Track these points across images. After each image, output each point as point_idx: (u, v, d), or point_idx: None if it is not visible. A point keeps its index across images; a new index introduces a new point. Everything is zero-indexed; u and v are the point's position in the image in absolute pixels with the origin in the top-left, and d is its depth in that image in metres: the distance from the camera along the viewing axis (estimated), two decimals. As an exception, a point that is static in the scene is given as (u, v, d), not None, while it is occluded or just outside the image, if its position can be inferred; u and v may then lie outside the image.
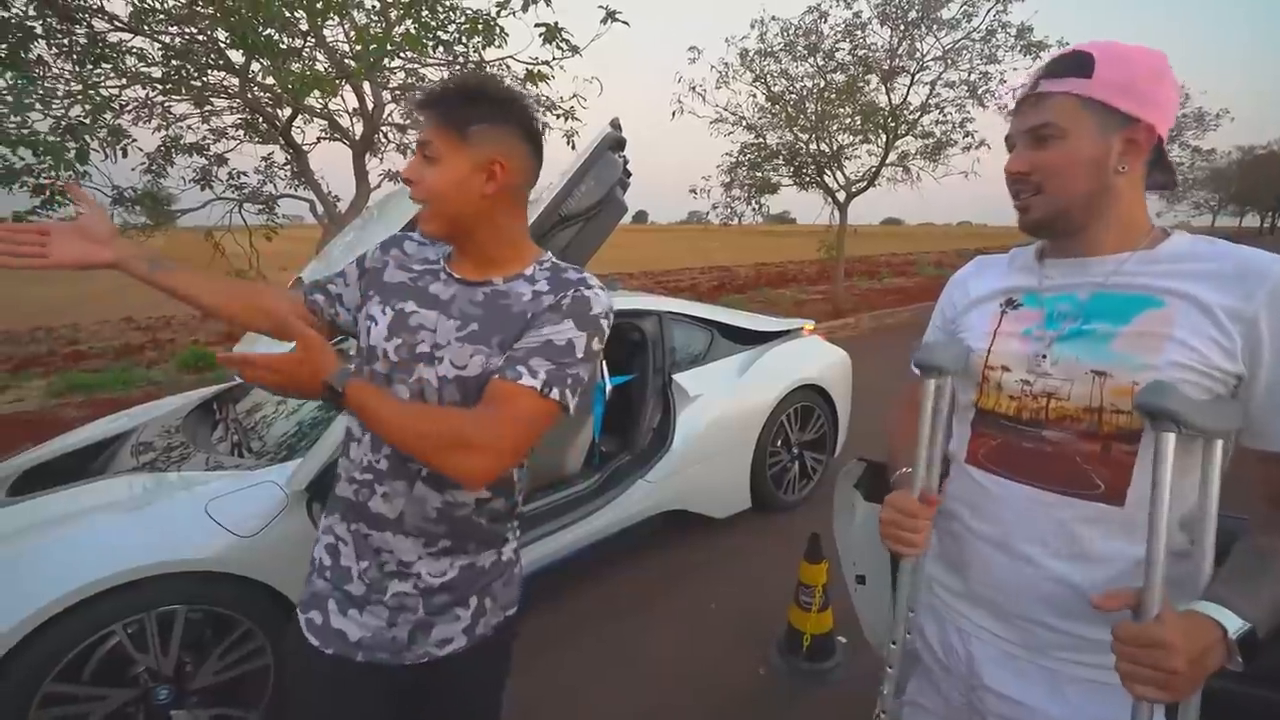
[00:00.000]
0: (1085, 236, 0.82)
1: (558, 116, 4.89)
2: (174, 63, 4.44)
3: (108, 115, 4.22)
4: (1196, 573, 0.75)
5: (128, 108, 4.71)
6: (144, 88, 4.65)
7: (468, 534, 1.01)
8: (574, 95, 4.75)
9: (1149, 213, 0.82)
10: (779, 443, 3.28)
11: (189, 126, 5.16)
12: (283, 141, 5.17)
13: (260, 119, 5.05)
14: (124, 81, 4.42)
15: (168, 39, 4.40)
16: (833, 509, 1.56)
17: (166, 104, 4.86)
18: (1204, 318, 0.73)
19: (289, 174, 5.87)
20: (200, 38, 4.35)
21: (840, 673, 2.18)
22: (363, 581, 1.00)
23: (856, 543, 1.51)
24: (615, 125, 1.98)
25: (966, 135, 9.38)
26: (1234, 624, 0.65)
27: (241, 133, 5.37)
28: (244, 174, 5.58)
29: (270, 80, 4.37)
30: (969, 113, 9.23)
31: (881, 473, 1.48)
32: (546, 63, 4.25)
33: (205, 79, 4.66)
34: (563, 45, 4.04)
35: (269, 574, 1.73)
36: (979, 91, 8.90)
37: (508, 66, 4.66)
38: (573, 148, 5.00)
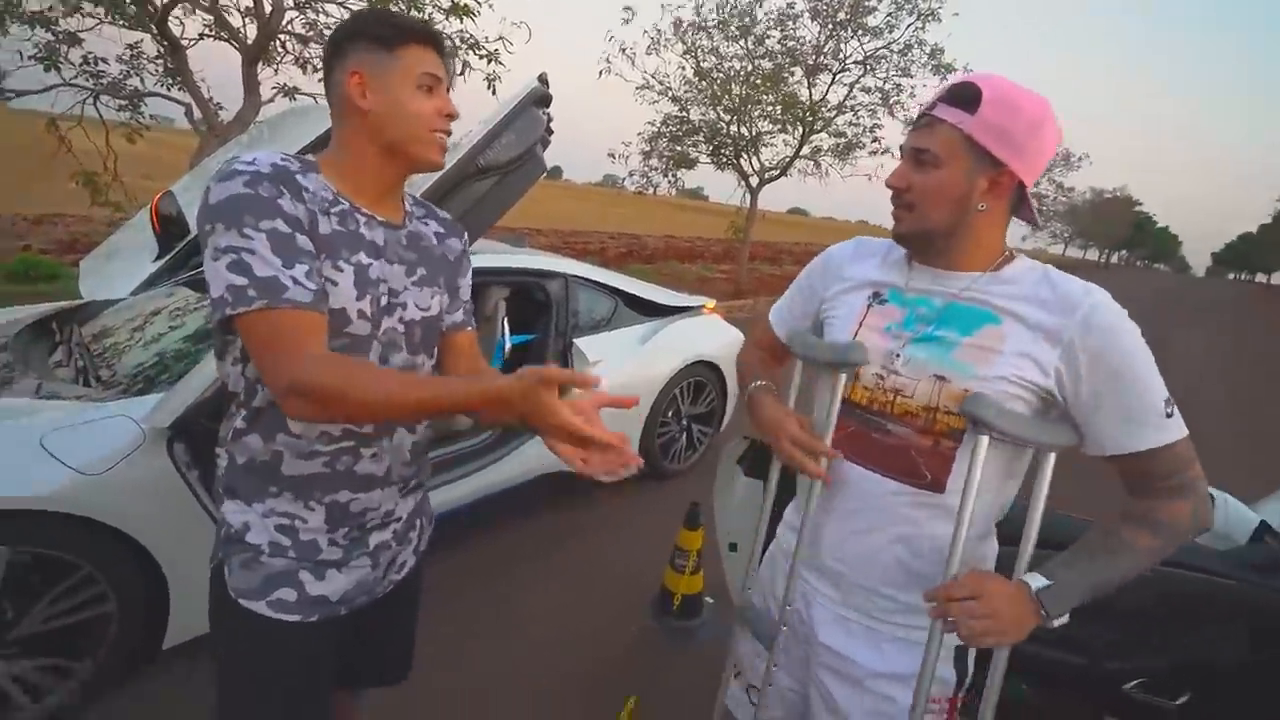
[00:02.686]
0: (945, 255, 0.92)
1: (480, 57, 4.64)
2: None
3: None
4: (1018, 559, 0.89)
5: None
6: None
7: (424, 465, 1.09)
8: (500, 37, 4.52)
9: (1005, 239, 0.93)
10: (670, 413, 3.40)
11: (32, -8, 4.39)
12: (155, 31, 4.54)
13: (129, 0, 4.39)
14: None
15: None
16: (715, 480, 1.67)
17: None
18: (1030, 337, 0.84)
19: (161, 70, 5.18)
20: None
21: (706, 630, 2.34)
22: (338, 546, 0.96)
23: (734, 513, 1.62)
24: (543, 81, 1.92)
25: (875, 140, 9.90)
26: (1037, 582, 0.81)
27: (102, 10, 4.64)
28: (103, 61, 4.85)
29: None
30: (879, 120, 9.73)
31: (763, 451, 1.59)
32: (473, -3, 4.01)
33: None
34: (491, -18, 3.82)
35: (118, 516, 1.58)
36: (890, 101, 9.39)
37: (429, -6, 4.35)
38: (494, 92, 4.78)
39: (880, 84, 9.36)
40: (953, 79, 0.90)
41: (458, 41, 4.56)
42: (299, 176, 0.86)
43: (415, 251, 0.98)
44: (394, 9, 4.49)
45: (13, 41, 4.36)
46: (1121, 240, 67.74)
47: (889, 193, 0.92)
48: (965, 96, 0.84)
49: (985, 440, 0.83)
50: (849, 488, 0.96)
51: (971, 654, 0.95)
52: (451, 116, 0.94)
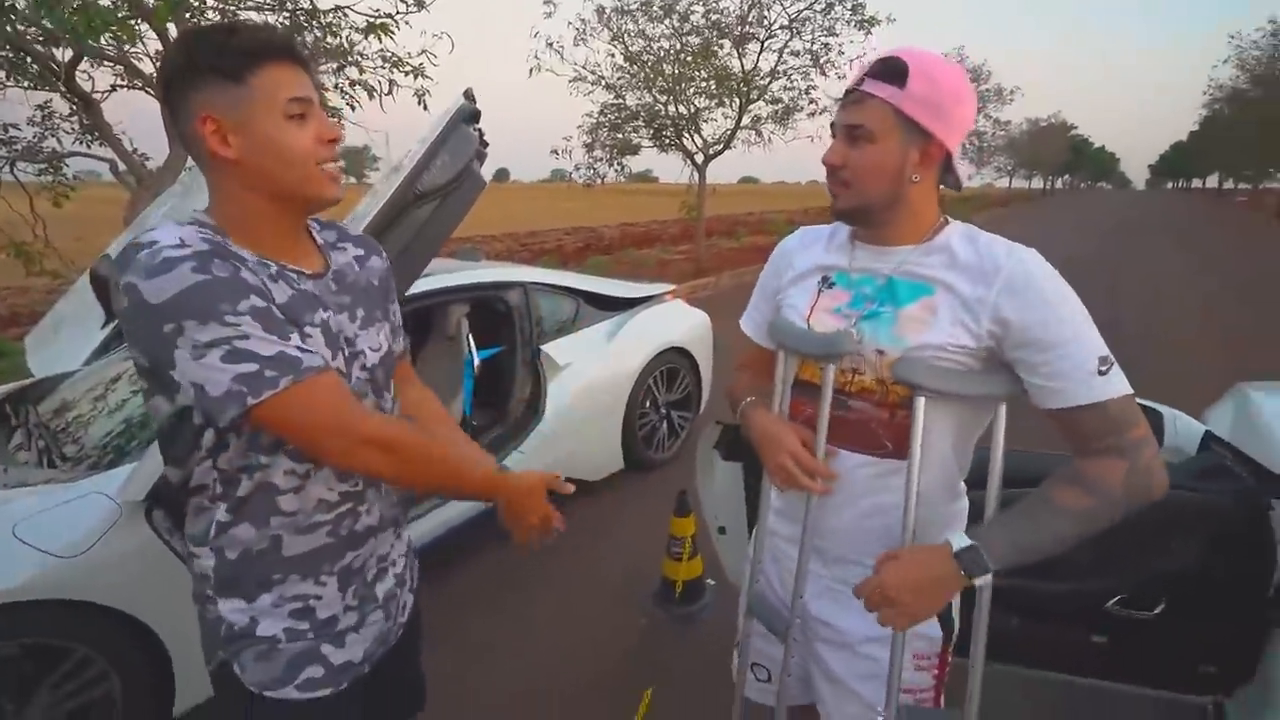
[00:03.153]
0: (884, 229, 0.95)
1: (406, 74, 4.56)
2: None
3: None
4: (986, 509, 0.93)
5: None
6: None
7: (404, 501, 1.08)
8: (422, 51, 4.45)
9: (937, 209, 0.96)
10: (647, 404, 3.43)
11: (-74, 65, 4.19)
12: (64, 89, 4.37)
13: (30, 60, 4.21)
14: None
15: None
16: (695, 467, 1.71)
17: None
18: (959, 303, 0.88)
19: (76, 127, 4.99)
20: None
21: (709, 612, 2.40)
22: (353, 610, 0.93)
23: (717, 497, 1.67)
24: (469, 96, 1.92)
25: (811, 101, 9.99)
26: (960, 542, 0.82)
27: (3, 74, 4.45)
28: (14, 126, 4.66)
29: (34, 10, 3.64)
30: (813, 81, 9.81)
31: (737, 434, 1.64)
32: (390, 16, 3.93)
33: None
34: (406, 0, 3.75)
35: (106, 593, 1.57)
36: (821, 61, 9.47)
37: (344, 15, 4.25)
38: (424, 107, 4.71)
39: (808, 45, 9.42)
40: (875, 54, 0.91)
41: (379, 61, 4.48)
42: (227, 244, 0.78)
43: (348, 293, 0.91)
44: (306, 36, 4.39)
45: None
46: (1062, 165, 69.50)
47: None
48: (893, 71, 0.86)
49: (922, 401, 0.87)
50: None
51: (954, 606, 0.99)
52: (335, 141, 0.82)
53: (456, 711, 1.93)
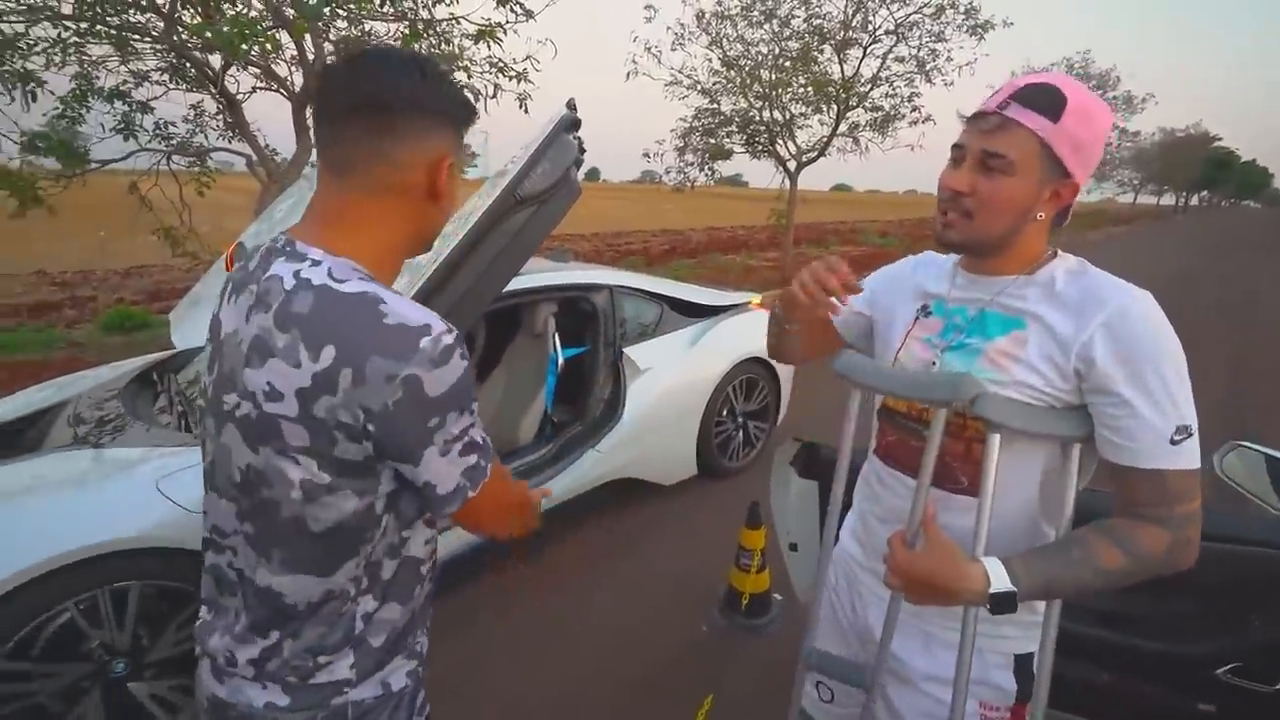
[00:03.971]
0: (990, 261, 0.92)
1: (510, 79, 4.78)
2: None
3: (12, 55, 3.89)
4: None
5: (35, 48, 4.33)
6: (54, 25, 4.28)
7: None
8: (527, 57, 4.64)
9: (1045, 242, 0.91)
10: (725, 412, 3.43)
11: (108, 70, 4.78)
12: (214, 90, 4.88)
13: (189, 65, 4.73)
14: (29, 17, 4.05)
15: (79, -29, 4.04)
16: (769, 482, 1.71)
17: (81, 45, 4.48)
18: (1051, 341, 0.83)
19: (221, 124, 5.55)
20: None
21: (774, 627, 2.38)
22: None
23: (791, 514, 1.66)
24: (571, 106, 2.00)
25: (914, 109, 9.60)
26: (999, 584, 0.78)
27: (167, 78, 5.02)
28: (172, 124, 5.24)
29: (198, 24, 4.09)
30: (917, 88, 9.43)
31: (815, 452, 1.62)
32: (500, 24, 4.13)
33: (125, 18, 4.32)
34: (516, 9, 3.93)
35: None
36: (927, 68, 9.08)
37: (458, 24, 4.50)
38: (525, 111, 4.91)
39: (914, 51, 9.06)
40: (1023, 77, 0.85)
41: (486, 66, 4.71)
42: None
43: None
44: (423, 43, 4.68)
45: (94, 116, 4.77)
46: (1199, 180, 62.96)
47: (934, 162, 0.92)
48: (1049, 101, 0.80)
49: (997, 438, 0.84)
50: (894, 494, 0.99)
51: (1036, 663, 0.93)
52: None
53: (511, 707, 2.01)
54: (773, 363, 3.61)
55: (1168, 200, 66.38)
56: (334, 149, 0.73)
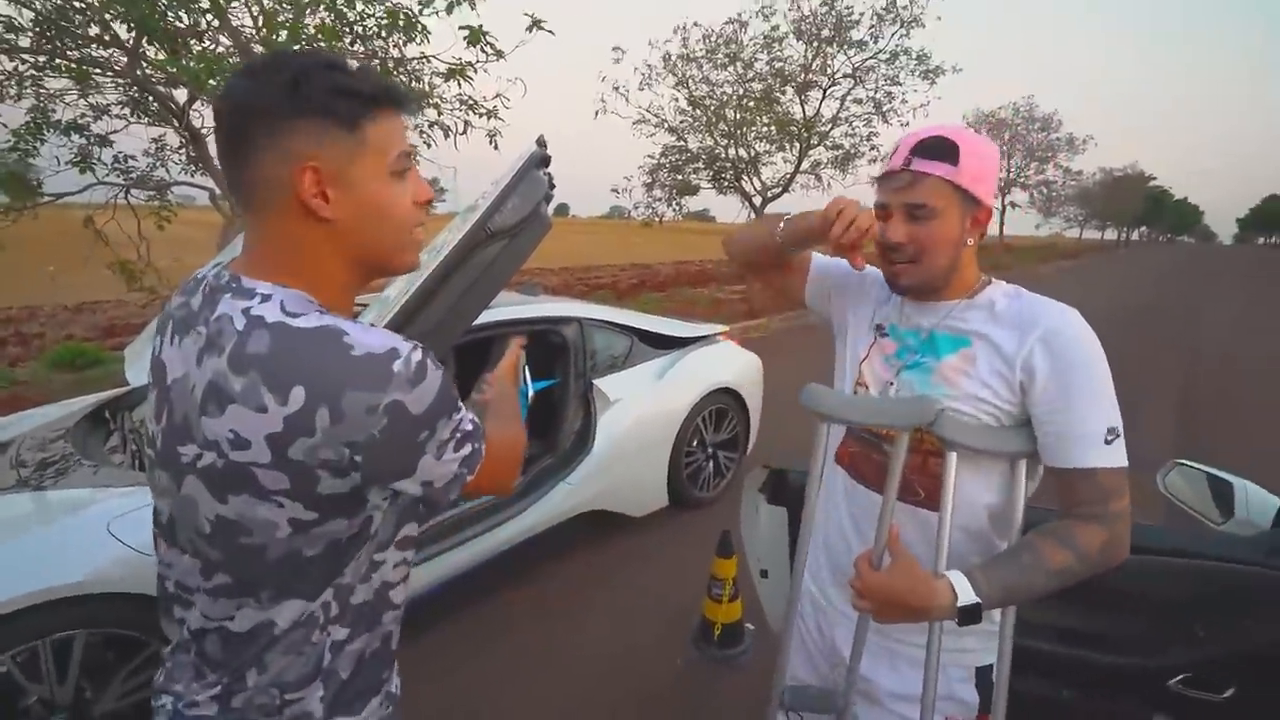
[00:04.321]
0: (936, 292, 0.99)
1: (480, 116, 4.85)
2: (49, 34, 4.05)
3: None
4: None
5: (-11, 80, 4.25)
6: (10, 58, 4.22)
7: None
8: (497, 95, 4.72)
9: (977, 266, 1.00)
10: (695, 443, 3.45)
11: (66, 103, 4.71)
12: (177, 124, 4.83)
13: (151, 99, 4.69)
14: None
15: (39, 5, 4.00)
16: (739, 510, 1.72)
17: (38, 78, 4.41)
18: (996, 357, 0.91)
19: (184, 158, 5.48)
20: (78, 3, 3.98)
21: (748, 657, 2.36)
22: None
23: (761, 541, 1.66)
24: (540, 143, 2.03)
25: (872, 148, 10.03)
26: (965, 597, 0.83)
27: (128, 111, 4.96)
28: (131, 157, 5.16)
29: (164, 59, 4.07)
30: (875, 128, 9.88)
31: (783, 478, 1.65)
32: (470, 64, 4.21)
33: (85, 51, 4.27)
34: (487, 49, 4.01)
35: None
36: (884, 109, 9.53)
37: (429, 62, 4.57)
38: (496, 147, 4.97)
39: (871, 94, 9.52)
40: (913, 134, 0.94)
41: (456, 104, 4.77)
42: None
43: None
44: (396, 79, 4.73)
45: (49, 149, 4.67)
46: (1138, 217, 66.58)
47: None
48: (944, 150, 0.90)
49: (954, 456, 0.90)
50: (856, 507, 1.03)
51: (995, 675, 0.97)
52: (429, 203, 0.74)
53: None
54: (741, 393, 3.65)
55: (1110, 235, 69.92)
56: (228, 177, 0.67)
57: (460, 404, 0.70)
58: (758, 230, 1.18)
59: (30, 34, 4.08)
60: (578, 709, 2.11)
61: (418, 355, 0.64)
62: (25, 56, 4.19)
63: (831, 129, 9.79)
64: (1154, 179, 69.26)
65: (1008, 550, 0.91)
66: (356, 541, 0.71)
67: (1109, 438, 0.86)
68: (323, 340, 0.62)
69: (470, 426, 0.72)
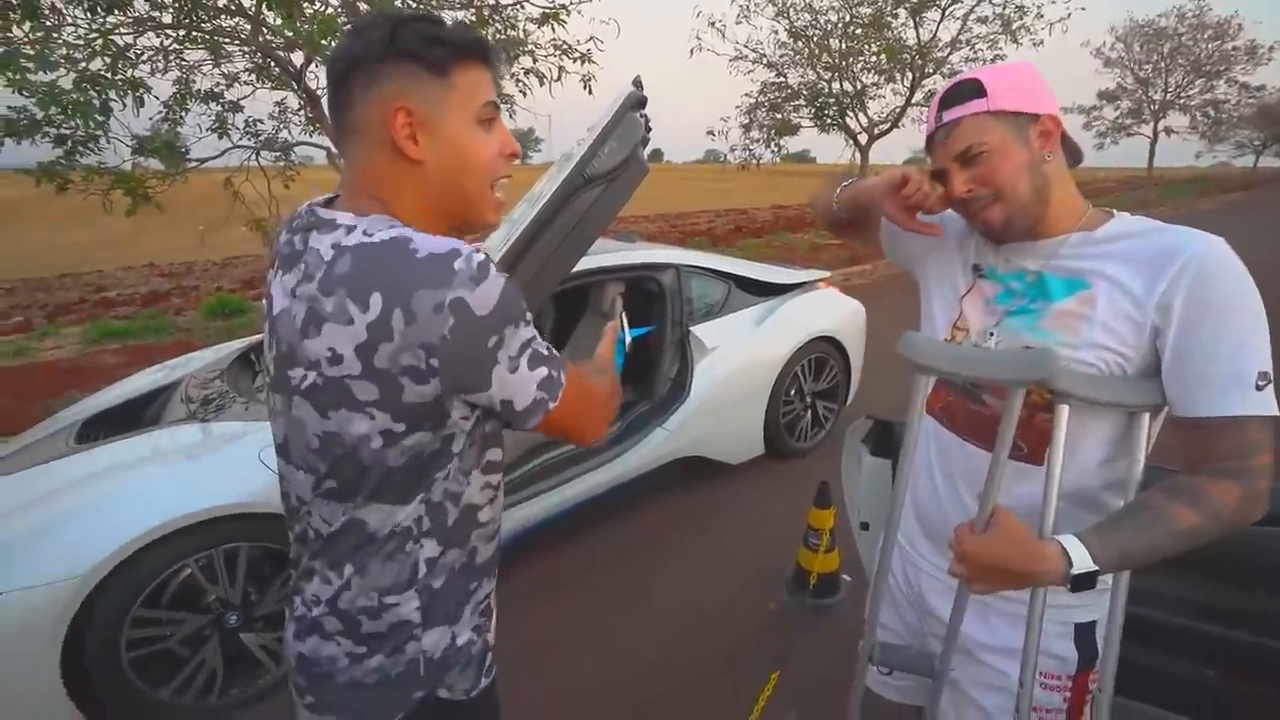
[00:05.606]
0: (1033, 227, 0.89)
1: (574, 60, 4.80)
2: (185, 8, 4.39)
3: (123, 65, 4.23)
4: None
5: (142, 57, 4.69)
6: (157, 35, 4.62)
7: None
8: (590, 38, 4.65)
9: (1076, 193, 0.89)
10: (793, 392, 3.38)
11: (203, 73, 5.13)
12: (296, 87, 5.15)
13: (273, 64, 5.01)
14: (136, 29, 4.39)
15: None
16: (841, 460, 1.67)
17: (180, 51, 4.83)
18: (1124, 298, 0.80)
19: (303, 119, 5.85)
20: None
21: (843, 608, 2.34)
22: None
23: (862, 493, 1.62)
24: (637, 84, 1.98)
25: (997, 73, 9.01)
26: (1080, 564, 0.75)
27: (255, 78, 5.34)
28: (259, 121, 5.57)
29: (282, 23, 4.32)
30: (1001, 50, 8.84)
31: (887, 430, 1.58)
32: (564, 6, 4.15)
33: (218, 23, 4.61)
34: (580, -12, 3.93)
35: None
36: (1013, 27, 8.49)
37: (522, 7, 4.55)
38: (590, 92, 4.93)
39: (999, 9, 8.48)
40: (940, 91, 0.90)
41: (551, 50, 4.75)
42: None
43: None
44: (489, 29, 4.76)
45: (191, 118, 5.15)
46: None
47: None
48: (972, 89, 0.86)
49: (1065, 409, 0.81)
50: (950, 457, 0.97)
51: (1101, 631, 0.91)
52: (515, 156, 0.77)
53: (571, 674, 2.08)
54: (842, 341, 3.51)
55: (1293, 161, 59.60)
56: (335, 126, 0.73)
57: (530, 320, 0.70)
58: (824, 193, 1.16)
59: (171, 10, 4.45)
60: (668, 646, 2.20)
61: (479, 256, 0.66)
62: (169, 32, 4.58)
63: (950, 54, 8.87)
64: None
65: (1125, 509, 0.82)
66: (440, 458, 0.73)
67: (1261, 382, 0.75)
68: (393, 248, 0.66)
69: (545, 351, 0.72)
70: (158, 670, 1.77)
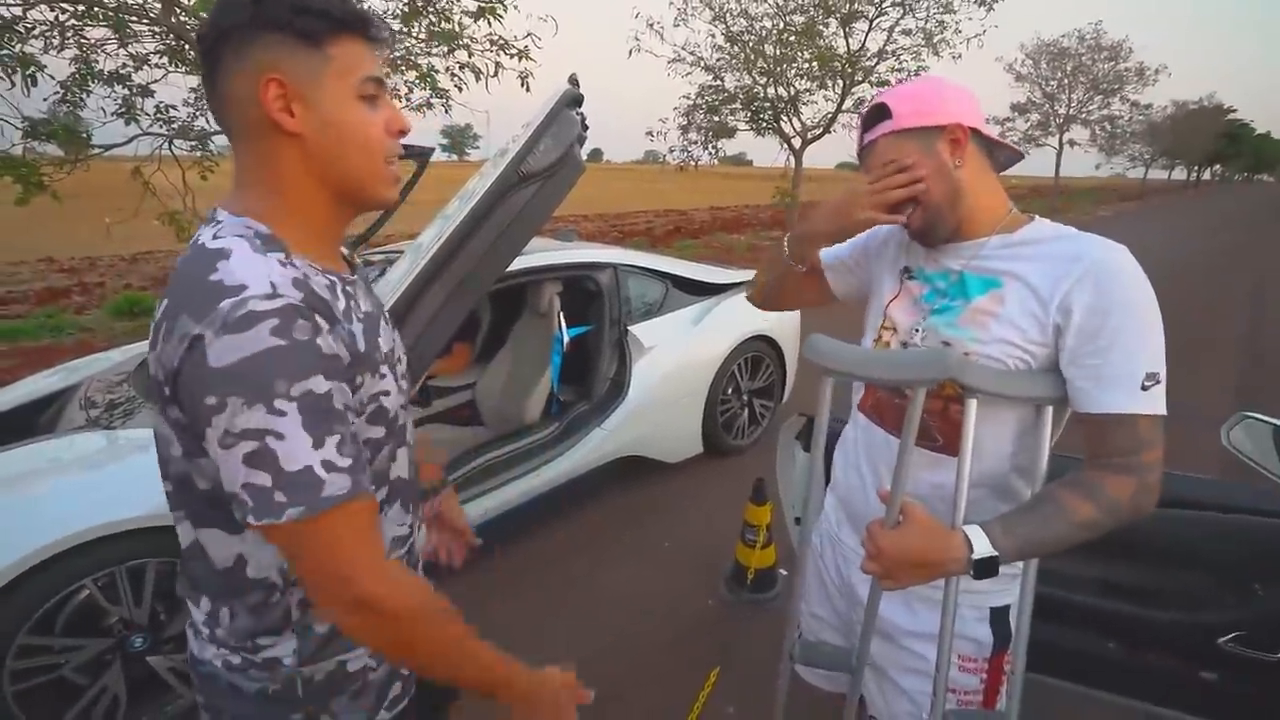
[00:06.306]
0: (954, 229, 0.94)
1: (511, 56, 4.72)
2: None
3: (10, 39, 3.87)
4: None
5: (34, 31, 4.30)
6: (51, 8, 4.25)
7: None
8: (528, 34, 4.58)
9: (1005, 199, 0.95)
10: (730, 390, 3.44)
11: (107, 53, 4.75)
12: (214, 72, 4.85)
13: (188, 46, 4.69)
14: (26, 1, 4.02)
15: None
16: (776, 457, 1.72)
17: (79, 28, 4.45)
18: (1031, 297, 0.86)
19: (222, 107, 5.52)
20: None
21: (780, 602, 2.40)
22: None
23: (796, 488, 1.67)
24: (573, 82, 1.98)
25: (920, 84, 9.46)
26: (981, 550, 0.80)
27: (167, 61, 4.98)
28: (173, 107, 5.21)
29: (196, 4, 4.06)
30: (924, 61, 9.28)
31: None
32: (500, 1, 4.08)
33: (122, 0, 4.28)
34: (516, -17, 3.87)
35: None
36: (934, 40, 8.93)
37: (458, 1, 4.44)
38: (527, 89, 4.87)
39: (922, 24, 8.91)
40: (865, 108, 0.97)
41: (487, 45, 4.65)
42: (312, 280, 0.65)
43: (371, 294, 0.81)
44: (422, 20, 4.62)
45: (94, 101, 4.76)
46: (1212, 154, 61.88)
47: None
48: (878, 113, 0.93)
49: (974, 402, 0.86)
50: (875, 451, 1.02)
51: (1013, 614, 0.96)
52: (404, 132, 0.72)
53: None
54: (778, 340, 3.60)
55: (1179, 175, 65.31)
56: (211, 107, 0.69)
57: (291, 414, 0.58)
58: (768, 267, 1.19)
59: (68, -18, 4.10)
60: (608, 645, 2.19)
61: (261, 306, 0.58)
62: (65, 5, 4.21)
63: (878, 63, 9.24)
64: (1233, 111, 63.93)
65: (1028, 502, 0.88)
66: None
67: (1148, 383, 0.81)
68: (202, 260, 0.62)
69: (293, 465, 0.59)
70: (49, 701, 1.62)
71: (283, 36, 0.64)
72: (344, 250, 0.80)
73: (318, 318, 0.62)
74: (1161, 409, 0.82)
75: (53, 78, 4.50)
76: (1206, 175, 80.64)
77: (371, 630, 0.66)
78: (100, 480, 1.76)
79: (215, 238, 0.64)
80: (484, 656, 0.74)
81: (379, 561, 0.66)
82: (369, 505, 0.65)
